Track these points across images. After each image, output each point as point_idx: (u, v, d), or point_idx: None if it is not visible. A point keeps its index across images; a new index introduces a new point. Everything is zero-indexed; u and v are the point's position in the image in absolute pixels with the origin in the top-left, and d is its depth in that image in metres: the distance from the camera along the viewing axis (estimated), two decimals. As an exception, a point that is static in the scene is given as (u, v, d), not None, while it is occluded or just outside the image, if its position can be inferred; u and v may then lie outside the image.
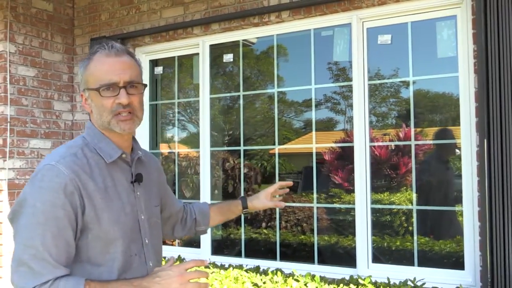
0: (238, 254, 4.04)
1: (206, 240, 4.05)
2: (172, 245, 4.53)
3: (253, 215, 4.75)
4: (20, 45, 4.44)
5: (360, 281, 3.08)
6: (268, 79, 4.28)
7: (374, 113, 4.14)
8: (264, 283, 3.13)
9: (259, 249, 4.52)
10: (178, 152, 4.74)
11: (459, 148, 3.24)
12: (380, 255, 3.72)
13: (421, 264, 3.33)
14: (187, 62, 4.66)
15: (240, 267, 3.56)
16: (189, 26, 4.13)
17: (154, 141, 4.69)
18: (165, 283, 1.37)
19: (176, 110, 4.69)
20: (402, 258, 3.73)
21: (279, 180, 4.04)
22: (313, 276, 3.22)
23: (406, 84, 3.57)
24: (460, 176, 3.20)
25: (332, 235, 4.37)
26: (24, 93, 4.45)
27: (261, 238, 4.60)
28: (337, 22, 3.65)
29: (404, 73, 3.53)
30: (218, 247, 4.27)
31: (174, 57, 4.50)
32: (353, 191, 3.50)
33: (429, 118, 3.88)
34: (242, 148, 4.22)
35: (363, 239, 3.41)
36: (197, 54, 4.26)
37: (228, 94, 4.72)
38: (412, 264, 3.34)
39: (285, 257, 3.85)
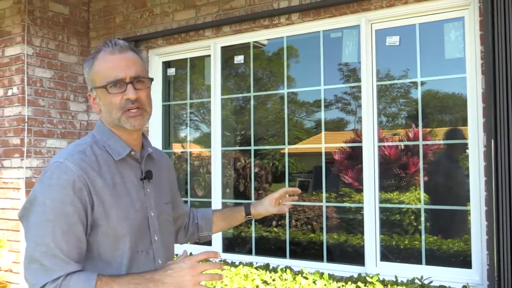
0: (249, 252, 4.12)
1: (217, 238, 4.14)
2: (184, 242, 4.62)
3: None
4: (37, 47, 4.56)
5: (368, 279, 3.13)
6: (279, 80, 4.34)
7: (383, 113, 4.18)
8: (273, 280, 3.20)
9: (269, 247, 4.59)
10: (191, 151, 4.82)
11: (468, 148, 3.27)
12: (388, 254, 3.76)
13: (429, 262, 3.36)
14: (199, 64, 4.75)
15: (250, 264, 3.63)
16: (201, 28, 4.21)
17: (167, 141, 4.78)
18: (177, 275, 1.36)
19: (188, 110, 4.78)
20: (410, 256, 3.77)
21: (289, 179, 4.10)
22: (321, 274, 3.28)
23: (415, 85, 3.60)
24: (468, 175, 3.23)
25: (342, 233, 4.42)
26: (41, 94, 4.57)
27: (271, 237, 4.66)
28: (346, 24, 3.70)
29: (412, 74, 3.57)
30: (229, 245, 4.35)
31: (186, 58, 4.59)
32: (362, 190, 3.55)
33: (438, 119, 3.91)
34: (252, 148, 4.29)
35: (371, 238, 3.46)
36: (209, 55, 4.34)
37: (239, 95, 4.79)
38: (420, 262, 3.38)
39: (294, 255, 3.91)
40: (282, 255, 3.91)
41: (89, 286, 1.32)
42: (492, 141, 2.98)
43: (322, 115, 3.92)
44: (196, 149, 5.00)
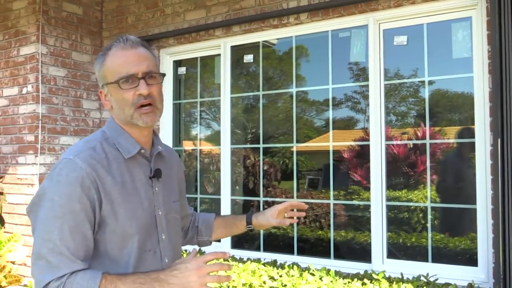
0: (257, 248, 4.18)
1: (226, 234, 4.19)
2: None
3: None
4: (51, 46, 4.66)
5: (374, 276, 3.17)
6: (289, 79, 4.39)
7: (392, 112, 4.21)
8: (280, 276, 3.25)
9: (278, 243, 4.64)
10: (201, 149, 4.89)
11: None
12: (395, 251, 3.79)
13: (435, 260, 3.39)
14: (210, 63, 4.81)
15: (258, 260, 3.68)
16: (211, 28, 4.27)
17: (177, 139, 4.85)
18: (183, 276, 1.33)
19: (199, 108, 4.84)
20: (417, 254, 3.79)
21: (299, 177, 4.14)
22: (328, 271, 3.33)
23: (422, 84, 3.63)
24: (475, 174, 3.26)
25: (349, 231, 4.46)
26: (54, 92, 4.67)
27: (280, 233, 4.71)
28: (354, 23, 3.74)
29: (420, 73, 3.59)
30: (238, 241, 4.40)
31: (196, 57, 4.65)
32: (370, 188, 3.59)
33: (445, 118, 3.93)
34: (261, 146, 4.35)
35: (378, 235, 3.50)
36: (219, 55, 4.40)
37: (248, 94, 4.84)
38: (426, 260, 3.41)
39: (302, 252, 3.96)
40: (290, 251, 3.97)
41: (94, 284, 1.32)
42: (499, 140, 3.00)
43: (330, 113, 3.96)
44: (206, 147, 5.06)
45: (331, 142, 3.99)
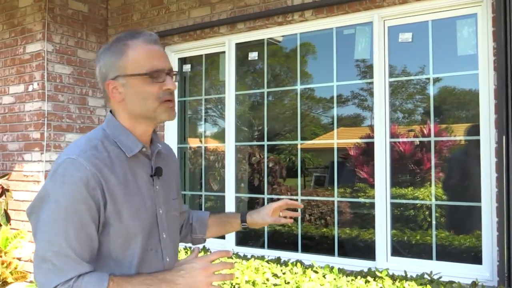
0: (262, 246, 4.18)
1: (231, 231, 4.20)
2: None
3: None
4: (57, 44, 4.68)
5: (378, 273, 3.16)
6: (294, 76, 4.38)
7: (396, 109, 4.20)
8: (283, 273, 3.25)
9: (282, 241, 4.65)
10: (206, 146, 4.90)
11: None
12: (400, 249, 3.79)
13: (440, 258, 3.38)
14: (214, 60, 4.81)
15: (262, 258, 3.69)
16: (216, 25, 4.27)
17: (182, 136, 4.87)
18: (189, 276, 1.34)
19: (203, 106, 4.85)
20: (421, 252, 3.79)
21: (306, 175, 4.14)
22: (331, 268, 3.33)
23: (427, 81, 3.61)
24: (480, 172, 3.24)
25: (354, 228, 4.45)
26: (60, 89, 4.69)
27: (285, 231, 4.72)
28: (359, 20, 3.72)
29: (424, 70, 3.58)
30: (243, 238, 4.41)
31: (201, 55, 4.66)
32: (375, 185, 3.58)
33: (451, 115, 3.92)
34: (266, 143, 4.35)
35: (382, 233, 3.49)
36: (224, 52, 4.40)
37: (252, 91, 4.84)
38: (431, 258, 3.40)
39: (306, 249, 3.96)
40: (295, 249, 3.97)
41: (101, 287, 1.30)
42: (504, 137, 2.99)
43: (335, 111, 3.95)
44: (211, 144, 5.07)
45: (335, 139, 3.99)
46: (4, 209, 4.48)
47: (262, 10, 4.02)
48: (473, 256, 3.40)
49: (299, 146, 4.14)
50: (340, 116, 4.81)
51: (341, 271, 3.29)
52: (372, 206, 3.71)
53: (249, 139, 5.13)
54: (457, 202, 3.63)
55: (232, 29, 4.22)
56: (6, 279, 4.14)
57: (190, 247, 4.02)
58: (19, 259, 4.43)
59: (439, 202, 3.58)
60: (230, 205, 4.29)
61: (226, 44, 4.34)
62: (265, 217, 1.88)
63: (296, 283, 3.03)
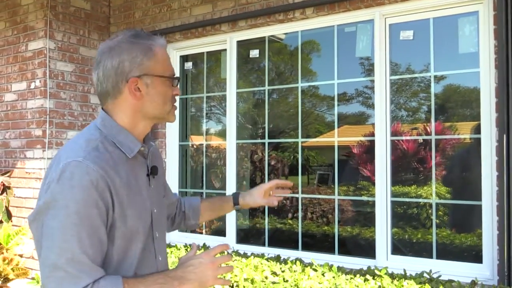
0: (263, 244, 4.18)
1: (231, 229, 4.21)
2: (200, 233, 4.72)
3: (279, 206, 4.87)
4: (59, 41, 4.69)
5: (377, 272, 3.16)
6: (295, 74, 4.38)
7: (400, 107, 4.19)
8: (283, 271, 3.25)
9: (283, 239, 4.65)
10: (208, 144, 4.90)
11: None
12: (401, 247, 3.78)
13: (441, 256, 3.37)
14: (216, 58, 4.81)
15: (262, 256, 3.69)
16: (217, 23, 4.27)
17: (184, 133, 4.87)
18: (199, 271, 1.40)
19: (205, 103, 4.85)
20: (422, 250, 3.78)
21: (309, 172, 4.14)
22: (330, 266, 3.32)
23: (428, 79, 3.60)
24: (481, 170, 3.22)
25: (355, 226, 4.45)
26: (62, 87, 4.70)
27: (286, 228, 4.72)
28: (360, 18, 3.71)
29: (426, 68, 3.56)
30: (244, 236, 4.42)
31: (203, 52, 4.66)
32: (378, 184, 3.57)
33: (453, 113, 3.90)
34: (266, 141, 4.34)
35: (382, 231, 3.48)
36: (225, 49, 4.40)
37: (254, 89, 4.85)
38: (431, 256, 3.39)
39: (307, 247, 3.96)
40: (295, 247, 3.97)
41: None
42: (505, 136, 2.97)
43: (336, 109, 3.94)
44: (212, 142, 5.08)
45: (336, 137, 3.98)
46: (6, 206, 4.50)
47: (263, 8, 4.01)
48: (474, 255, 3.39)
49: (299, 144, 4.14)
50: (344, 114, 4.81)
51: (340, 269, 3.29)
52: (374, 204, 3.71)
53: (252, 137, 5.13)
54: (458, 201, 3.62)
55: (234, 27, 4.22)
56: (7, 276, 4.16)
57: (190, 245, 4.03)
58: (20, 255, 4.45)
59: (439, 201, 3.57)
60: (231, 203, 4.28)
61: (227, 41, 4.34)
62: (257, 199, 1.95)
63: (295, 281, 3.03)
